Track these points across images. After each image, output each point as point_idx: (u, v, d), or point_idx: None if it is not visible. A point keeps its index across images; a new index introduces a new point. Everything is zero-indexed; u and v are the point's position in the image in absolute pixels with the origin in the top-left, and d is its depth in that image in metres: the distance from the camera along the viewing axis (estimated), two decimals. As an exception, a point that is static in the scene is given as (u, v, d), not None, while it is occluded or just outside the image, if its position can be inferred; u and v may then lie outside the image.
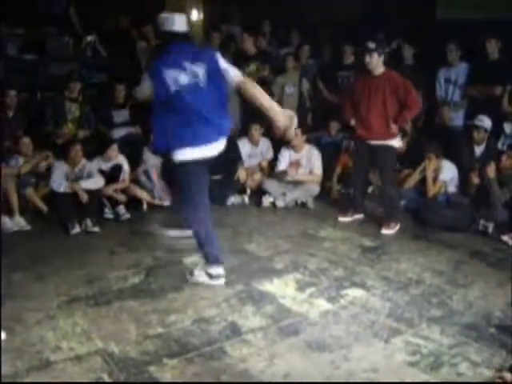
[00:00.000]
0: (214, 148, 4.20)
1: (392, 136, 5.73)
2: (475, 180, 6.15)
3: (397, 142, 5.87)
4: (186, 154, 4.09)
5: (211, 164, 4.31)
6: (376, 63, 5.62)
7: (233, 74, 4.14)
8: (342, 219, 6.15)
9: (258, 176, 7.24)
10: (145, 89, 4.23)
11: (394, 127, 5.67)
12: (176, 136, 4.06)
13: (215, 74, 4.11)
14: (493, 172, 5.88)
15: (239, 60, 8.04)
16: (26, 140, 6.33)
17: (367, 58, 5.62)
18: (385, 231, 5.78)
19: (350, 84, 6.21)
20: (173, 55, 4.12)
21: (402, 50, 7.65)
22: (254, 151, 7.44)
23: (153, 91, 4.09)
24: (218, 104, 4.16)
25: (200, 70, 4.08)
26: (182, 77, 4.02)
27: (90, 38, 8.71)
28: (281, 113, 4.13)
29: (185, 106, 4.03)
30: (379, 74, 5.68)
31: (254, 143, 7.42)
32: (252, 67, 7.90)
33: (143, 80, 4.27)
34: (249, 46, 7.96)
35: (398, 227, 5.85)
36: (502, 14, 7.15)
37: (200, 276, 4.43)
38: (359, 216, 6.21)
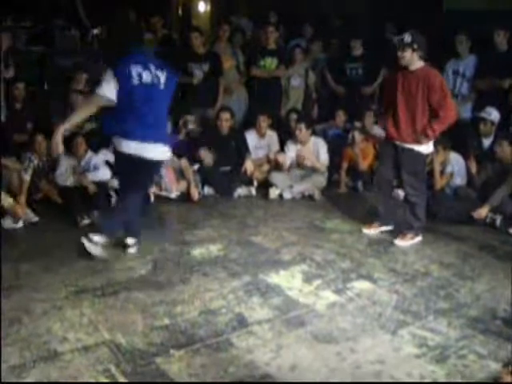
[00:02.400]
0: (155, 150, 4.48)
1: (420, 142, 5.13)
2: (473, 169, 6.14)
3: (426, 148, 5.23)
4: (128, 147, 4.36)
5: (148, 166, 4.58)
6: (410, 58, 5.02)
7: None
8: (367, 231, 5.54)
9: (265, 168, 7.24)
10: (110, 88, 4.28)
11: (422, 139, 5.09)
12: (124, 126, 4.34)
13: (170, 88, 4.52)
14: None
15: (250, 52, 8.05)
16: (40, 138, 6.33)
17: (399, 53, 5.03)
18: (399, 242, 5.23)
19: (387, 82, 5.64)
20: (141, 56, 4.47)
21: None
22: (260, 143, 7.43)
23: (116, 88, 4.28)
24: (165, 112, 4.62)
25: (161, 76, 4.44)
26: (146, 74, 4.35)
27: (96, 31, 8.73)
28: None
29: (141, 101, 4.32)
30: (415, 69, 5.08)
31: (261, 135, 7.40)
32: (270, 62, 7.86)
33: (107, 79, 4.31)
34: (271, 40, 7.91)
35: (416, 240, 5.28)
36: (510, 5, 7.12)
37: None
38: (387, 228, 5.54)
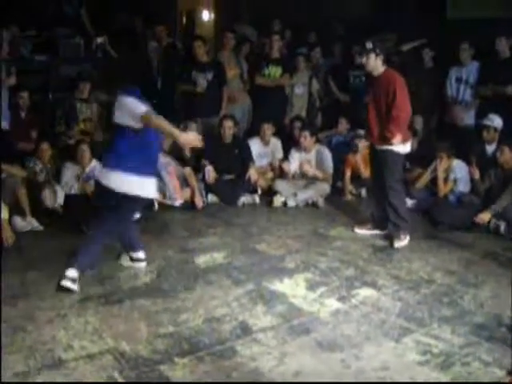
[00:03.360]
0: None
1: (392, 141, 5.24)
2: (476, 175, 6.15)
3: (402, 148, 5.37)
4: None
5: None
6: (373, 64, 5.30)
7: (138, 110, 4.18)
8: (358, 231, 5.75)
9: (269, 176, 7.25)
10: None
11: (387, 140, 5.25)
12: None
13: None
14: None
15: (255, 60, 8.07)
16: (45, 146, 6.36)
17: (363, 59, 5.34)
18: (397, 245, 5.32)
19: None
20: (138, 91, 4.34)
21: (421, 51, 7.66)
22: (264, 151, 7.44)
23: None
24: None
25: None
26: None
27: (99, 40, 8.74)
28: (181, 135, 4.25)
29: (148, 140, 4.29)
30: (378, 74, 5.35)
31: (265, 143, 7.42)
32: (274, 70, 7.89)
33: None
34: (276, 49, 7.94)
35: (408, 237, 5.41)
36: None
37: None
38: (379, 232, 5.65)
